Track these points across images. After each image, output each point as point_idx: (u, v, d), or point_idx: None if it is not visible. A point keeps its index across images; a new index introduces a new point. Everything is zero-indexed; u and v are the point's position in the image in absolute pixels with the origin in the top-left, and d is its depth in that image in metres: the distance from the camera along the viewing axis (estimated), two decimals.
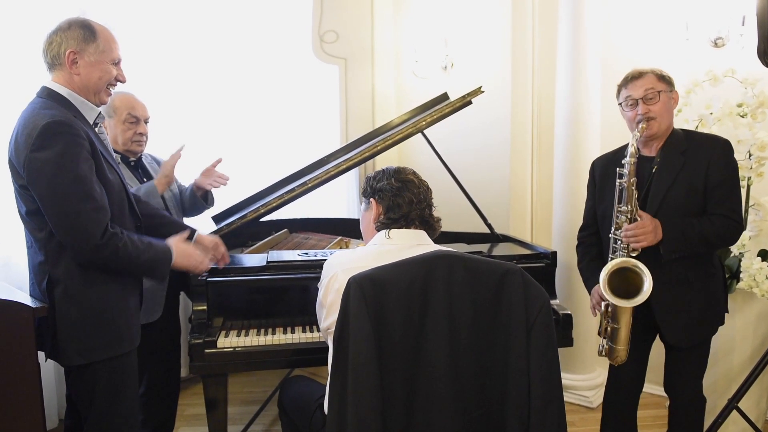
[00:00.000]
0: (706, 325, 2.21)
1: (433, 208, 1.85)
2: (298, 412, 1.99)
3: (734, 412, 2.52)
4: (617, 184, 2.14)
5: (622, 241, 2.12)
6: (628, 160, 2.10)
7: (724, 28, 3.00)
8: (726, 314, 2.28)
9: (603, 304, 2.19)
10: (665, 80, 2.18)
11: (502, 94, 3.61)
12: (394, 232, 1.76)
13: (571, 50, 3.22)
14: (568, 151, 3.27)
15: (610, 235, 2.19)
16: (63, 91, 1.80)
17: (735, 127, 2.76)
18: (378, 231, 1.80)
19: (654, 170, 2.19)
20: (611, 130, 3.38)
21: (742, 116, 2.79)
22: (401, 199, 1.77)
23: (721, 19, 3.00)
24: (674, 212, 2.12)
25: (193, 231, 2.19)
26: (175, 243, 1.97)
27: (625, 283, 2.09)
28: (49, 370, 2.90)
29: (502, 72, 3.63)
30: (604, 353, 2.25)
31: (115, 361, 1.85)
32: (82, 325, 1.78)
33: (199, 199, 2.77)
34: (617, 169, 2.15)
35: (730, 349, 2.76)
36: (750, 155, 2.75)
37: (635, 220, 2.11)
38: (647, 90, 2.13)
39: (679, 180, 2.13)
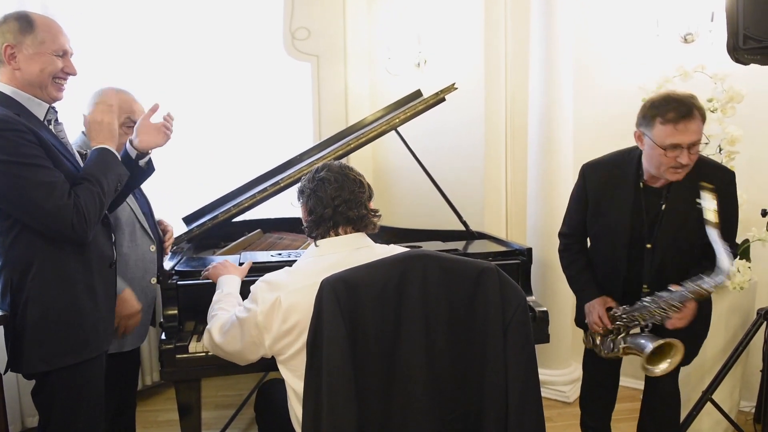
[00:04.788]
0: (699, 345, 2.22)
1: (365, 204, 1.73)
2: (274, 417, 1.95)
3: (708, 404, 2.55)
4: (691, 289, 1.95)
5: (661, 317, 2.03)
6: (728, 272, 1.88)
7: (694, 24, 3.03)
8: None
9: (621, 346, 2.15)
10: (703, 119, 1.98)
11: (475, 92, 3.61)
12: (323, 242, 1.71)
13: (544, 48, 3.22)
14: (542, 147, 3.28)
15: (645, 301, 2.07)
16: (6, 89, 1.73)
17: (706, 122, 2.78)
18: (308, 236, 1.76)
19: (664, 207, 2.08)
20: (583, 127, 3.41)
21: (712, 111, 2.81)
22: (318, 200, 1.70)
23: (691, 15, 3.03)
24: (682, 247, 2.08)
25: None
26: (90, 139, 1.87)
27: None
28: (11, 375, 2.80)
29: (475, 69, 3.62)
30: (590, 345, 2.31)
31: (79, 370, 1.77)
32: (45, 329, 1.71)
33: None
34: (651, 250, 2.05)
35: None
36: (720, 150, 2.78)
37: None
38: (695, 140, 1.91)
39: (690, 219, 2.02)
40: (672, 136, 1.91)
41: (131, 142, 1.97)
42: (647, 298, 2.07)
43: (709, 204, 1.89)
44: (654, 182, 2.11)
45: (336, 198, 1.68)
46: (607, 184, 2.20)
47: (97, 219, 1.76)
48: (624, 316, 2.15)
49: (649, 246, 2.12)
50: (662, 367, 2.07)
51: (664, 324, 2.04)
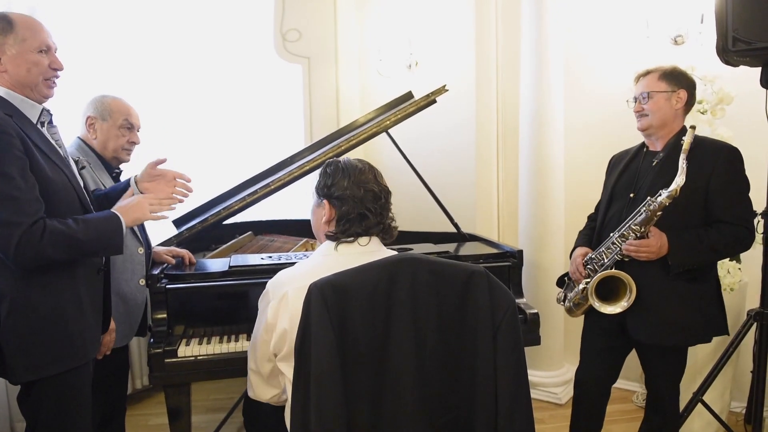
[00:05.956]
0: (681, 331, 2.16)
1: (391, 213, 1.70)
2: (262, 422, 1.94)
3: (699, 405, 2.55)
4: (646, 204, 2.08)
5: (619, 246, 2.16)
6: (668, 194, 2.02)
7: (684, 26, 3.04)
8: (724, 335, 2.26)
9: (581, 286, 2.27)
10: (668, 78, 2.20)
11: (466, 94, 3.61)
12: (342, 247, 1.63)
13: (535, 50, 3.22)
14: (533, 150, 3.28)
15: (611, 234, 2.22)
16: (0, 90, 1.70)
17: (695, 123, 2.79)
18: (327, 238, 1.66)
19: (655, 163, 2.22)
20: (573, 128, 3.41)
21: (702, 113, 2.82)
22: (364, 209, 1.62)
23: (681, 17, 3.04)
24: (667, 208, 2.09)
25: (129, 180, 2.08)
26: (118, 206, 1.85)
27: (610, 284, 2.19)
28: (0, 381, 2.78)
29: (466, 71, 3.63)
30: (562, 304, 2.45)
31: (65, 378, 1.74)
32: (30, 338, 1.68)
33: None
34: (650, 198, 2.08)
35: None
36: None
37: (643, 238, 2.11)
38: (641, 92, 2.23)
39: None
40: (634, 89, 2.31)
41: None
42: (614, 233, 2.21)
43: (687, 137, 2.08)
44: (653, 146, 2.29)
45: (381, 212, 1.66)
46: (620, 158, 2.43)
47: (55, 257, 1.65)
48: (594, 257, 2.28)
49: (632, 195, 2.26)
50: (612, 309, 2.17)
51: (627, 257, 2.15)
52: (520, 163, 3.39)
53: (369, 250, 1.63)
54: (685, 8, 3.02)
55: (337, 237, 1.64)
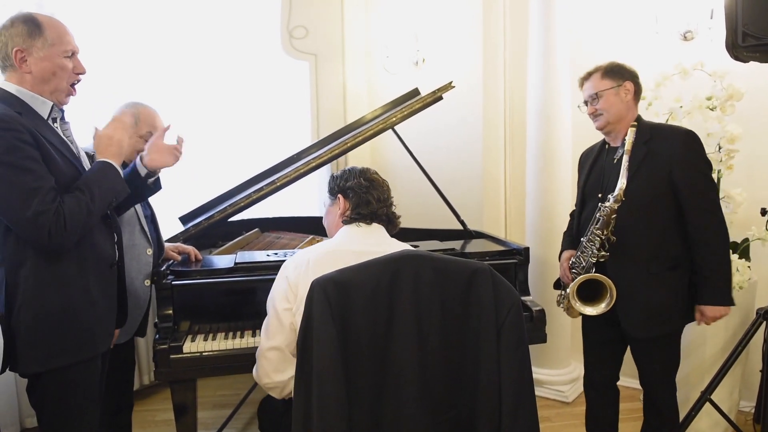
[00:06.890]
0: (666, 320, 2.18)
1: (393, 206, 1.91)
2: (270, 416, 1.94)
3: (707, 404, 2.53)
4: (599, 208, 2.15)
5: (591, 250, 2.19)
6: (614, 198, 2.09)
7: (693, 21, 3.02)
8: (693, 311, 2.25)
9: (568, 290, 2.28)
10: (610, 75, 2.23)
11: (473, 91, 3.60)
12: (351, 228, 1.81)
13: (543, 46, 3.20)
14: (540, 145, 3.26)
15: (581, 239, 2.25)
16: (11, 88, 1.70)
17: (705, 120, 2.77)
18: (345, 224, 1.82)
19: (616, 161, 2.22)
20: (581, 125, 3.38)
21: (711, 109, 2.79)
22: (370, 196, 1.82)
23: (690, 12, 3.02)
24: (636, 203, 2.11)
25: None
26: (97, 152, 1.85)
27: (594, 285, 2.20)
28: (9, 374, 2.79)
29: (473, 68, 3.61)
30: (561, 306, 2.42)
31: (71, 370, 1.74)
32: (38, 330, 1.68)
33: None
34: (600, 200, 2.17)
35: (702, 341, 2.78)
36: (720, 148, 2.75)
37: (608, 241, 2.14)
38: (590, 94, 2.25)
39: (641, 171, 2.12)
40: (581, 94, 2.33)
41: (141, 159, 2.00)
42: (583, 238, 2.24)
43: (628, 137, 2.13)
44: (613, 141, 2.30)
45: (386, 200, 1.87)
46: (587, 155, 2.46)
47: (80, 229, 1.70)
48: (575, 261, 2.30)
49: (600, 195, 2.25)
50: (593, 311, 2.19)
51: (603, 258, 2.17)
52: (528, 159, 3.38)
53: (383, 237, 1.82)
54: (694, 4, 3.00)
55: (356, 221, 1.81)
